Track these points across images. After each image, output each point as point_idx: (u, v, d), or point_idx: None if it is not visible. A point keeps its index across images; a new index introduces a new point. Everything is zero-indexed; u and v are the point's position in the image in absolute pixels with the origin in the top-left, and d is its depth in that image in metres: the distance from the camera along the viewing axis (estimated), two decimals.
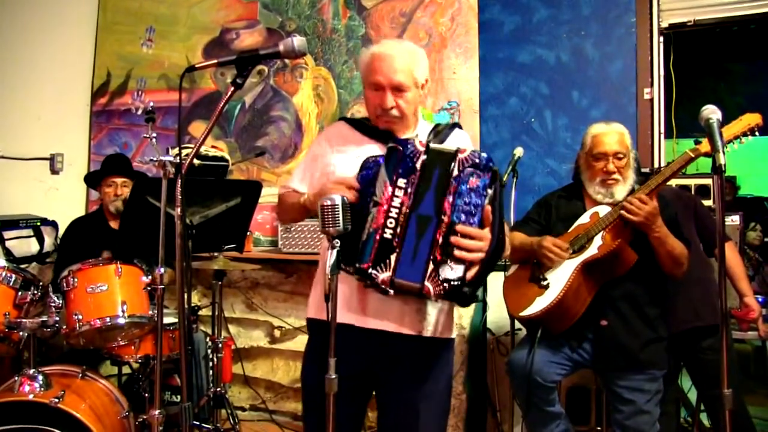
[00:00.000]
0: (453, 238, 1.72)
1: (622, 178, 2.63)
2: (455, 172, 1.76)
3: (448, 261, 1.72)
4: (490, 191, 1.75)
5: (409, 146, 1.82)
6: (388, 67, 1.96)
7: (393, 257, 1.76)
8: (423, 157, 1.80)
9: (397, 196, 1.79)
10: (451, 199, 1.75)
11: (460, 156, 1.77)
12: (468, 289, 1.73)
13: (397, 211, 1.78)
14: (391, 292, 1.78)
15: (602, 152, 2.63)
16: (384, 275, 1.76)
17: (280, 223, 3.89)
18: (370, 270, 1.77)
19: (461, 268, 1.72)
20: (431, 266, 1.73)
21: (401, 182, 1.80)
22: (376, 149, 1.99)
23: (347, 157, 2.02)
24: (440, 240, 1.73)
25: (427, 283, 1.72)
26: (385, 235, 1.77)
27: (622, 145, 2.64)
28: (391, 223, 1.78)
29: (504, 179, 3.12)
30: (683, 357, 2.90)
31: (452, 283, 1.72)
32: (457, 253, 1.71)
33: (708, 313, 2.80)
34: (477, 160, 1.76)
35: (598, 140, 2.66)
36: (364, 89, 2.08)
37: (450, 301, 1.89)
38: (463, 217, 1.73)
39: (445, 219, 1.74)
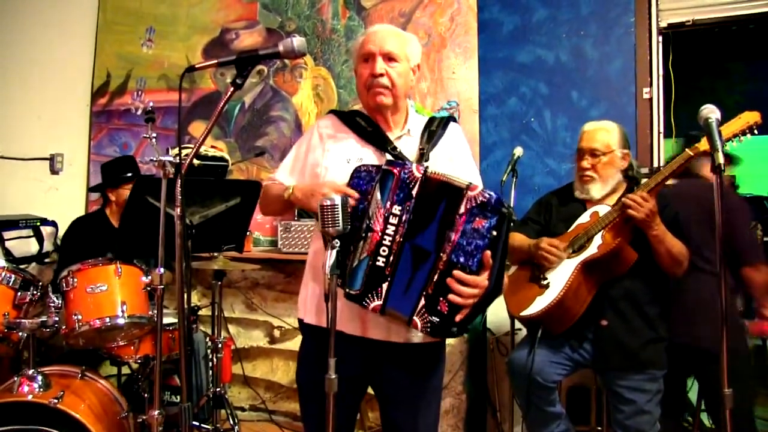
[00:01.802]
0: (448, 280, 1.69)
1: (597, 176, 2.64)
2: (462, 209, 1.71)
3: (440, 299, 1.70)
4: (494, 233, 1.68)
5: (405, 171, 1.78)
6: (381, 38, 1.98)
7: (385, 286, 1.75)
8: (419, 183, 1.76)
9: (391, 224, 1.76)
10: (453, 237, 1.70)
11: (470, 194, 1.71)
12: (455, 329, 1.71)
13: (390, 239, 1.76)
14: (379, 314, 1.79)
15: (579, 148, 2.70)
16: (375, 303, 1.76)
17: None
18: (360, 297, 1.77)
19: (452, 309, 1.69)
20: (422, 302, 1.71)
21: (396, 209, 1.77)
22: (369, 154, 1.98)
23: (338, 160, 1.99)
24: (435, 278, 1.70)
25: (416, 318, 1.72)
26: (377, 263, 1.76)
27: (600, 143, 2.64)
28: (384, 251, 1.76)
29: (503, 179, 3.13)
30: (691, 370, 2.84)
31: (440, 322, 1.70)
32: (451, 296, 1.68)
33: (707, 337, 2.62)
34: (486, 200, 1.69)
35: (580, 137, 2.73)
36: (356, 69, 2.06)
37: (436, 337, 1.85)
38: (462, 258, 1.69)
39: (444, 257, 1.70)
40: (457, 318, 1.69)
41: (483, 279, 1.69)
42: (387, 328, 1.92)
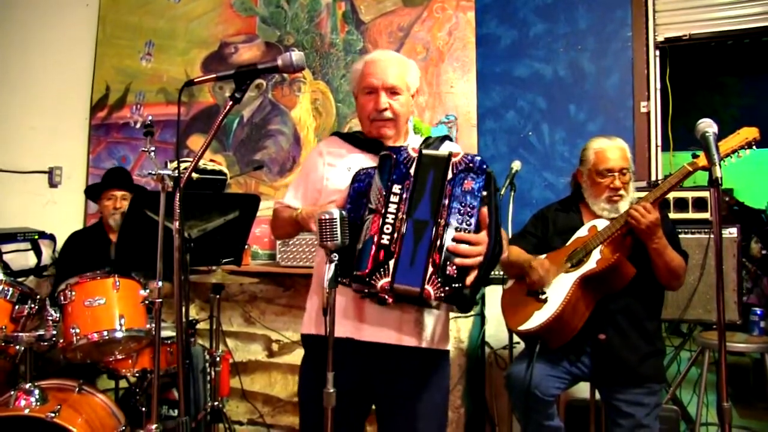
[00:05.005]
0: (451, 246, 1.71)
1: (626, 193, 2.64)
2: (449, 176, 1.75)
3: (448, 264, 1.71)
4: (485, 193, 1.74)
5: (402, 153, 1.82)
6: (382, 70, 2.00)
7: (391, 263, 1.75)
8: (416, 162, 1.80)
9: (393, 202, 1.78)
10: (446, 202, 1.74)
11: (454, 159, 1.77)
12: (468, 292, 1.72)
13: (393, 216, 1.77)
14: (390, 300, 1.77)
15: (609, 168, 2.63)
16: (382, 281, 1.74)
17: (274, 238, 3.89)
18: (368, 277, 1.75)
19: (461, 272, 1.70)
20: (431, 269, 1.71)
21: (396, 188, 1.79)
22: (366, 159, 2.00)
23: (339, 169, 2.04)
24: (438, 244, 1.72)
25: (428, 287, 1.70)
26: (382, 241, 1.76)
27: (625, 161, 2.65)
28: (387, 229, 1.77)
29: (501, 192, 3.13)
30: None
31: (452, 286, 1.70)
32: (457, 260, 1.70)
33: None
34: (471, 163, 1.76)
35: (603, 156, 2.65)
36: (357, 98, 2.09)
37: (450, 304, 1.84)
38: (459, 219, 1.73)
39: (442, 222, 1.73)
40: (468, 281, 1.71)
41: (483, 236, 1.74)
42: (397, 329, 1.93)
